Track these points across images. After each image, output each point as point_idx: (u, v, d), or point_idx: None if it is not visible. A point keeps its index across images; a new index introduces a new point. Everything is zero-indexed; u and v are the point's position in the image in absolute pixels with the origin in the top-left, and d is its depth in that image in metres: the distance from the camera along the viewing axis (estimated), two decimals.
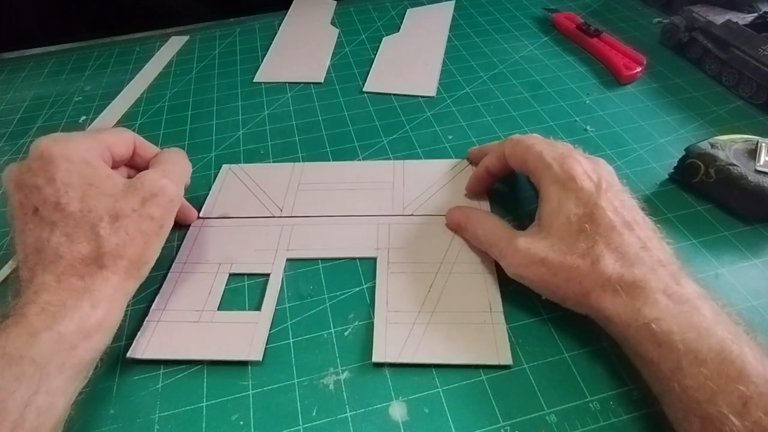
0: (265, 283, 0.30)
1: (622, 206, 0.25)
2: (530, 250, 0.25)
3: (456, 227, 0.31)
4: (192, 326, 0.27)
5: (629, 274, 0.23)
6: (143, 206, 0.25)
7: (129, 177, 0.29)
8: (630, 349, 0.23)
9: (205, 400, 0.25)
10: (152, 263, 0.26)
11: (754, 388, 0.18)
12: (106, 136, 0.27)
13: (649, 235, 0.24)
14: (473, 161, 0.36)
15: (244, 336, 0.27)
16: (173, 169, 0.28)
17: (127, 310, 0.28)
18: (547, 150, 0.28)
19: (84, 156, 0.25)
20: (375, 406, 0.24)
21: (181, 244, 0.32)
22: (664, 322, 0.21)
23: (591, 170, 0.26)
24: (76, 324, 0.22)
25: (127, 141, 0.29)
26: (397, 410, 0.24)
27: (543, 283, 0.25)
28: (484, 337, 0.26)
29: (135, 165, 0.30)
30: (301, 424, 0.24)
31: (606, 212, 0.24)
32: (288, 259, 0.31)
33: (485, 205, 0.33)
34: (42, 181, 0.24)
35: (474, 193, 0.34)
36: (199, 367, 0.26)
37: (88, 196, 0.24)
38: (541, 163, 0.27)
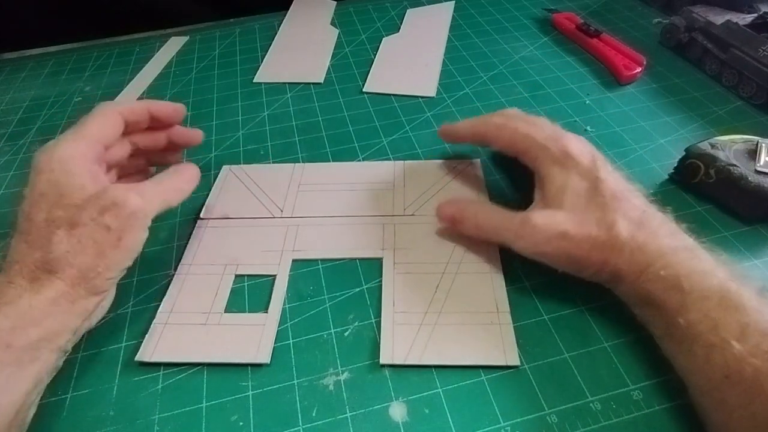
0: (271, 284, 0.29)
1: (615, 178, 0.27)
2: (550, 225, 0.26)
3: (450, 222, 0.30)
4: (199, 328, 0.27)
5: (640, 234, 0.24)
6: (101, 216, 0.24)
7: (134, 144, 0.31)
8: (638, 299, 0.25)
9: (204, 401, 0.25)
10: (110, 276, 0.25)
11: (751, 317, 0.21)
12: (92, 129, 0.27)
13: (644, 201, 0.27)
14: (445, 137, 0.35)
15: (251, 338, 0.27)
16: (150, 187, 0.28)
17: (128, 311, 0.29)
18: (533, 131, 0.29)
19: (66, 165, 0.25)
20: (375, 407, 0.24)
21: (185, 244, 0.32)
22: (671, 268, 0.23)
23: (582, 147, 0.28)
24: (10, 321, 0.22)
25: (113, 121, 0.29)
26: (397, 411, 0.24)
27: (566, 256, 0.25)
28: (491, 337, 0.26)
29: (134, 130, 0.31)
30: (300, 424, 0.24)
31: (608, 183, 0.26)
32: (294, 260, 0.31)
33: (484, 197, 0.33)
34: (26, 192, 0.25)
35: (443, 136, 0.35)
36: (198, 368, 0.26)
37: (56, 206, 0.25)
38: (534, 145, 0.28)
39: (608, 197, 0.25)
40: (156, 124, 0.32)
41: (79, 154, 0.26)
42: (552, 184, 0.27)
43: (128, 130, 0.30)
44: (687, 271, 0.23)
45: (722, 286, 0.22)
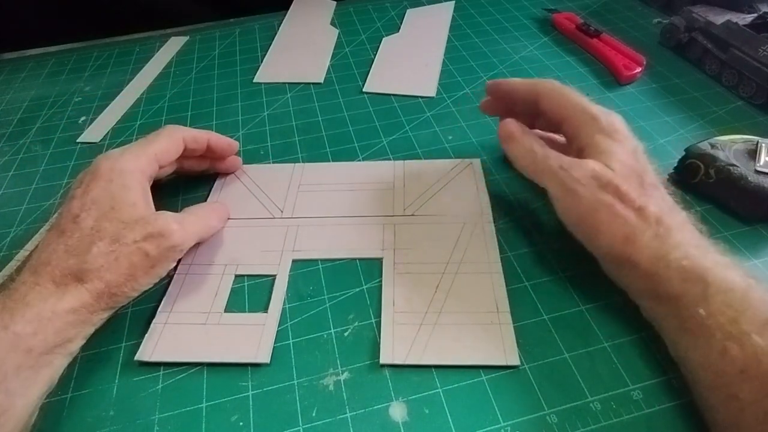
0: (271, 284, 0.29)
1: (652, 171, 0.27)
2: (601, 169, 0.25)
3: (508, 137, 0.30)
4: (199, 328, 0.27)
5: (666, 221, 0.24)
6: (144, 241, 0.25)
7: (179, 165, 0.33)
8: (651, 289, 0.24)
9: (204, 401, 0.25)
10: (131, 296, 0.26)
11: None
12: (156, 148, 0.29)
13: (672, 201, 0.26)
14: (493, 90, 0.35)
15: (251, 338, 0.27)
16: (193, 221, 0.29)
17: (128, 311, 0.29)
18: (584, 101, 0.29)
19: (125, 179, 0.27)
20: (375, 407, 0.24)
21: None
22: (693, 259, 0.23)
23: (629, 131, 0.28)
24: (33, 326, 0.22)
25: (176, 145, 0.31)
26: (397, 411, 0.24)
27: (594, 211, 0.25)
28: (491, 337, 0.26)
29: (188, 156, 0.33)
30: (300, 424, 0.24)
31: (649, 170, 0.27)
32: (294, 260, 0.31)
33: (484, 197, 0.33)
34: (78, 193, 0.26)
35: (484, 109, 0.36)
36: (198, 368, 0.26)
37: (105, 217, 0.25)
38: (585, 114, 0.28)
39: (646, 183, 0.26)
40: (209, 153, 0.34)
41: (139, 170, 0.28)
42: (598, 148, 0.27)
43: (183, 154, 0.32)
44: (710, 263, 0.23)
45: (746, 280, 0.22)
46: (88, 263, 0.24)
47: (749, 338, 0.20)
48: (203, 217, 0.30)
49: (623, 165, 0.26)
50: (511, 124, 0.30)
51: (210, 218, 0.31)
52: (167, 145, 0.30)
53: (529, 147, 0.29)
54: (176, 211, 0.28)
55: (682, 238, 0.24)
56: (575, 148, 0.28)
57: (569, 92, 0.30)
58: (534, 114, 0.32)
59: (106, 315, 0.25)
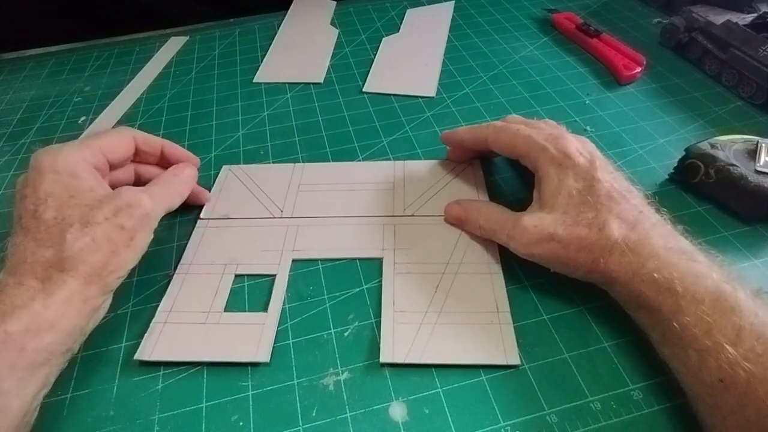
0: (271, 283, 0.29)
1: (613, 178, 0.27)
2: (538, 228, 0.26)
3: (456, 221, 0.31)
4: (199, 327, 0.27)
5: (632, 235, 0.24)
6: (116, 216, 0.25)
7: (137, 174, 0.32)
8: (633, 302, 0.24)
9: (204, 401, 0.25)
10: (120, 274, 0.25)
11: (746, 319, 0.20)
12: (102, 142, 0.28)
13: (642, 202, 0.26)
14: (446, 142, 0.36)
15: (251, 337, 0.27)
16: (157, 190, 0.28)
17: (128, 311, 0.29)
18: (534, 133, 0.29)
19: (71, 167, 0.26)
20: (375, 407, 0.24)
21: (185, 244, 0.32)
22: (665, 270, 0.23)
23: (581, 147, 0.28)
24: (24, 323, 0.21)
25: (125, 142, 0.30)
26: (397, 411, 0.24)
27: (555, 257, 0.26)
28: (491, 337, 0.26)
29: (142, 161, 0.32)
30: (300, 424, 0.24)
31: (603, 184, 0.26)
32: (293, 260, 0.31)
33: (484, 197, 0.34)
34: (29, 191, 0.25)
35: (451, 159, 0.36)
36: (198, 368, 0.26)
37: (66, 205, 0.25)
38: (534, 146, 0.28)
39: (603, 197, 0.25)
40: (163, 162, 0.33)
41: (82, 158, 0.27)
42: (548, 184, 0.27)
43: (138, 158, 0.31)
44: (681, 273, 0.22)
45: (717, 289, 0.22)
46: (66, 250, 0.23)
47: (723, 348, 0.20)
48: (169, 184, 0.29)
49: (571, 196, 0.26)
50: (454, 209, 0.32)
51: (175, 184, 0.30)
52: (115, 140, 0.29)
53: (477, 225, 0.30)
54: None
55: (656, 245, 0.24)
56: (536, 178, 0.28)
57: (514, 131, 0.30)
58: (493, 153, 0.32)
59: (99, 302, 0.24)
